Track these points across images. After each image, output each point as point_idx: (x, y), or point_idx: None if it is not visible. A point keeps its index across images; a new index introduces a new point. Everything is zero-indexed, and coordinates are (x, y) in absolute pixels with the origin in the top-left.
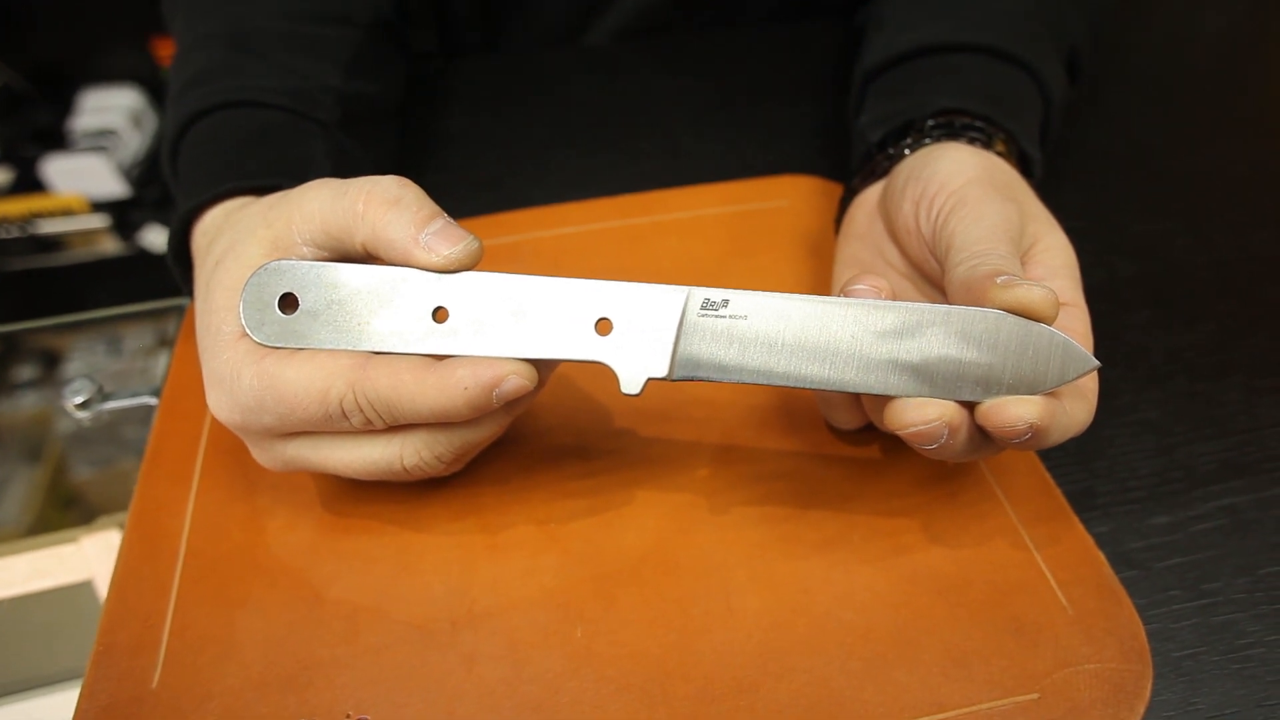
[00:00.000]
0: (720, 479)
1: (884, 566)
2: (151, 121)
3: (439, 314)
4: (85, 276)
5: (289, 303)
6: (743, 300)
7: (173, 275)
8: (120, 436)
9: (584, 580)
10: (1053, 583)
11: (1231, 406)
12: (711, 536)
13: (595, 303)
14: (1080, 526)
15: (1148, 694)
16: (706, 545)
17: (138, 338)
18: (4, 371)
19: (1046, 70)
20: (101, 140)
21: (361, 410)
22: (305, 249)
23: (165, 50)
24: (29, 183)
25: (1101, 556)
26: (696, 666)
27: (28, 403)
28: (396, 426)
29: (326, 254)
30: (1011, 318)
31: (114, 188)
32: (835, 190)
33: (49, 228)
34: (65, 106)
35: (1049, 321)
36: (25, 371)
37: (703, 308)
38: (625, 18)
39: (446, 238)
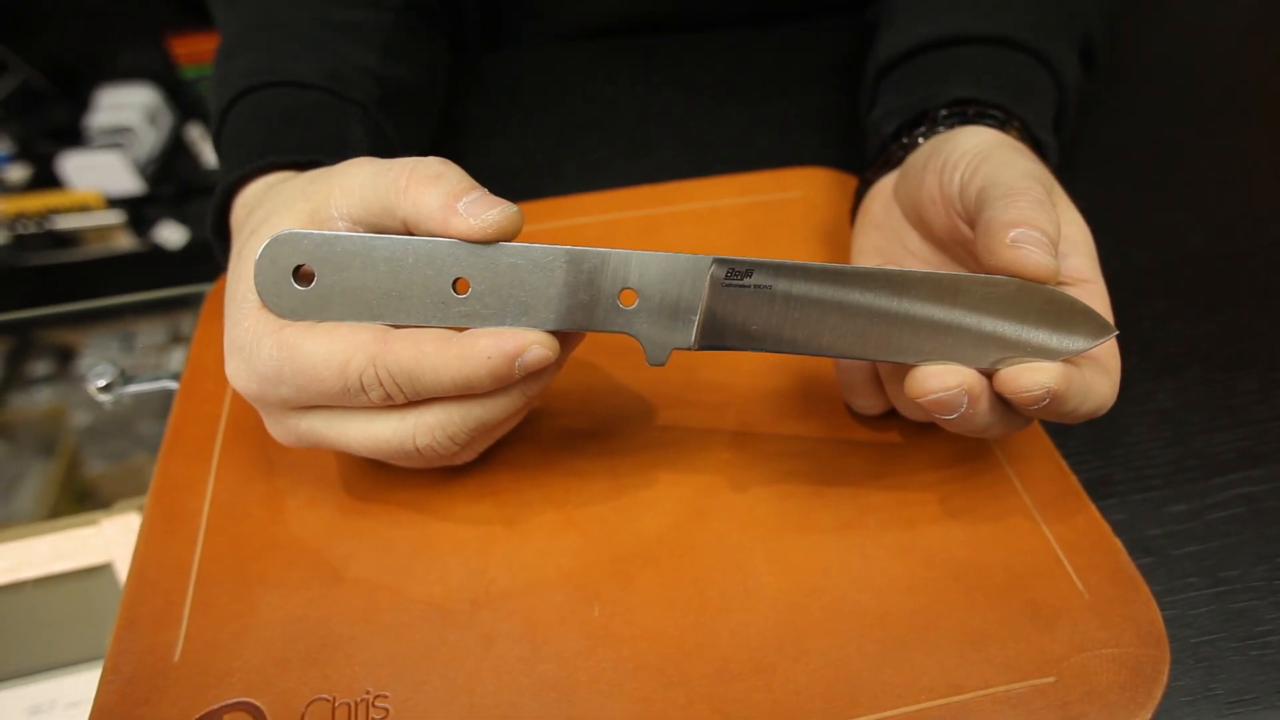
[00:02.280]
0: (737, 463)
1: (901, 551)
2: (167, 119)
3: (459, 285)
4: (100, 272)
5: (305, 275)
6: (767, 269)
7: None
8: (134, 431)
9: (601, 562)
10: (1069, 568)
11: (1248, 396)
12: (728, 520)
13: (619, 273)
14: (1096, 513)
15: (1165, 679)
16: (724, 528)
17: (150, 334)
18: (19, 367)
19: (1059, 59)
20: (117, 137)
21: (382, 384)
22: (341, 223)
23: (182, 49)
24: (46, 179)
25: (1118, 543)
26: (714, 647)
27: (43, 398)
28: (413, 403)
29: (362, 229)
30: (1033, 285)
31: (129, 184)
32: (849, 182)
33: (65, 223)
34: (82, 104)
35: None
36: (40, 367)
37: (727, 277)
38: (632, 17)
39: (485, 204)
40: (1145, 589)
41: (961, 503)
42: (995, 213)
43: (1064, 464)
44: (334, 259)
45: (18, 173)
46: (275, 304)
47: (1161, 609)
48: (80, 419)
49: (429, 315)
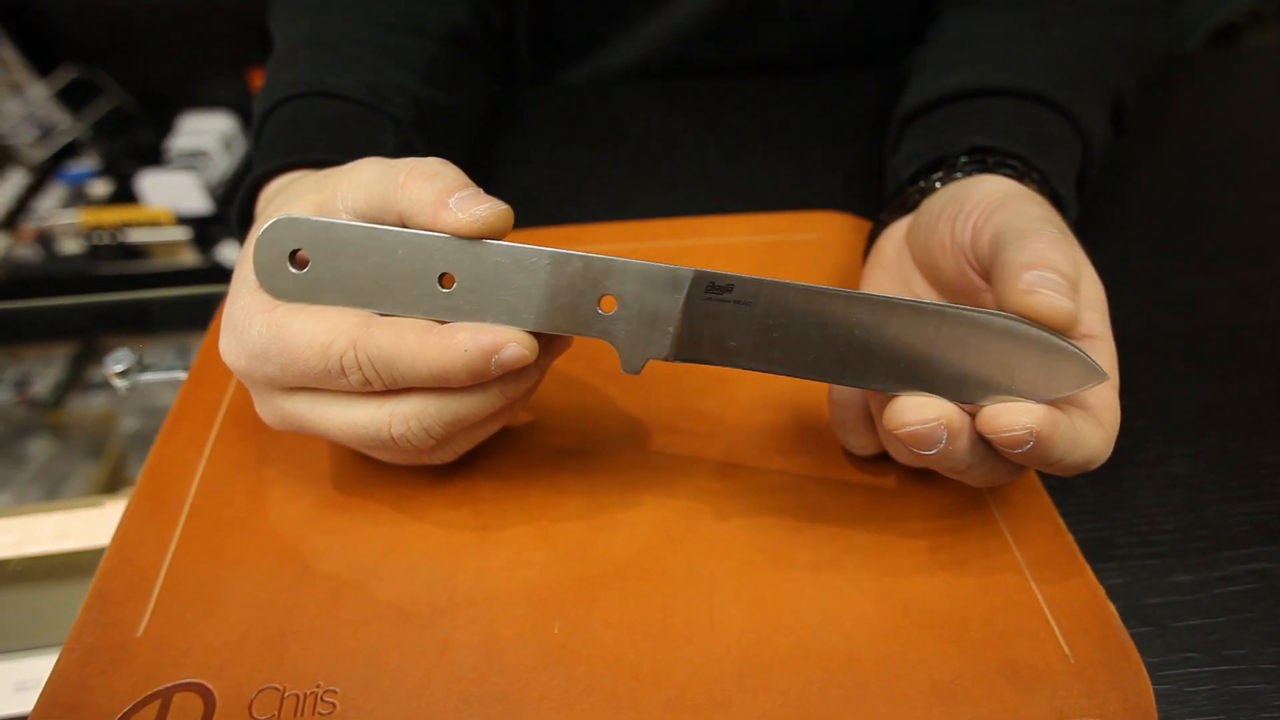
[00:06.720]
0: (720, 493)
1: (877, 594)
2: (241, 145)
3: (445, 279)
4: (162, 284)
5: (302, 260)
6: (747, 286)
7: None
8: None
9: (568, 579)
10: (1056, 629)
11: (1270, 469)
12: (701, 548)
13: (601, 279)
14: (1090, 574)
15: None
16: (695, 556)
17: None
18: (82, 371)
19: (1086, 116)
20: (193, 160)
21: (360, 368)
22: (345, 216)
23: (259, 82)
24: (125, 195)
25: (1111, 607)
26: (670, 675)
27: (98, 403)
28: (392, 391)
29: (364, 222)
30: (1024, 324)
31: (199, 204)
32: (865, 227)
33: (137, 237)
34: (165, 128)
35: (1066, 328)
36: (99, 374)
37: (707, 291)
38: (675, 62)
39: (475, 200)
40: (1136, 658)
41: (948, 553)
42: (1010, 255)
43: (1060, 522)
44: (329, 245)
45: (100, 188)
46: (271, 285)
47: (1156, 683)
48: (128, 425)
49: (414, 306)
